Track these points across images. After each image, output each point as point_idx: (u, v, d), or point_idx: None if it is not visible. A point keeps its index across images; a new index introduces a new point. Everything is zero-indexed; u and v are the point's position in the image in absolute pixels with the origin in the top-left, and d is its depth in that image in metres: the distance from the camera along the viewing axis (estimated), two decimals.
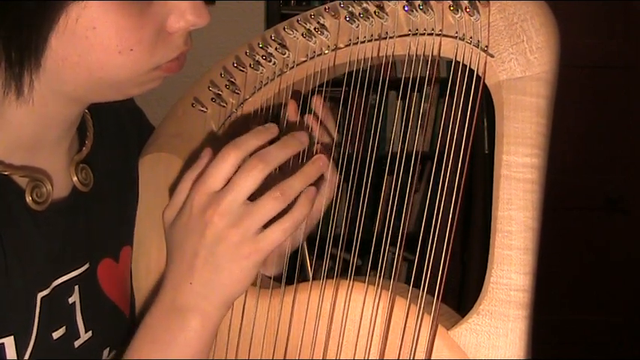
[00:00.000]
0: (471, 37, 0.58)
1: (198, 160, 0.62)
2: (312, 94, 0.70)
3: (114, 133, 0.74)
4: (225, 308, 0.60)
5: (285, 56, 0.67)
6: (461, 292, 2.13)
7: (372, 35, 0.63)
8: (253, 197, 0.58)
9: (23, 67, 0.54)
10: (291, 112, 0.70)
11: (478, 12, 0.57)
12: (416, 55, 0.61)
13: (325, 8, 0.64)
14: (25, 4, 0.51)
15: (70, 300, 0.64)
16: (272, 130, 0.61)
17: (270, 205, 0.57)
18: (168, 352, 0.59)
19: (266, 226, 0.58)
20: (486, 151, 2.21)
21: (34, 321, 0.59)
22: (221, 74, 0.70)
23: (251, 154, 0.59)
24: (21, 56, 0.54)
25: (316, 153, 0.62)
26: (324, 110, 0.72)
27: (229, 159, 0.58)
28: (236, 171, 0.58)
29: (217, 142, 0.68)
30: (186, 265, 0.59)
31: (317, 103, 0.71)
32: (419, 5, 0.59)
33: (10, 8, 0.51)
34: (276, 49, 0.67)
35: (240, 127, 0.71)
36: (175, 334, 0.59)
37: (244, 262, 0.57)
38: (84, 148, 0.68)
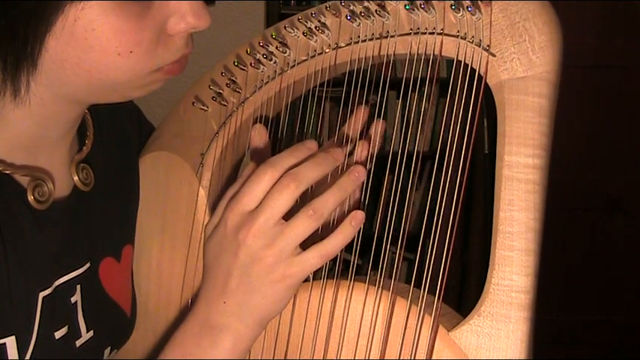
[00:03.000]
0: (472, 37, 0.58)
1: (240, 177, 0.62)
2: (313, 93, 0.69)
3: (114, 133, 0.74)
4: (259, 329, 0.60)
5: (286, 55, 0.67)
6: (460, 292, 2.13)
7: (373, 34, 0.63)
8: (290, 213, 0.57)
9: (19, 68, 0.54)
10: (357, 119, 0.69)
11: (480, 11, 0.57)
12: (417, 54, 0.61)
13: (326, 7, 0.63)
14: (20, 5, 0.50)
15: (72, 299, 0.63)
16: (310, 146, 0.59)
17: (304, 224, 0.56)
18: None
19: (304, 245, 0.57)
20: (486, 151, 2.21)
21: (35, 321, 0.58)
22: (222, 73, 0.70)
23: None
24: (17, 58, 0.53)
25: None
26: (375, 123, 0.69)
27: (265, 178, 0.57)
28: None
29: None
30: (221, 284, 0.58)
31: (363, 114, 0.69)
32: (420, 4, 0.59)
33: (5, 10, 0.51)
34: (277, 47, 0.67)
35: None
36: (207, 352, 0.59)
37: (278, 285, 0.57)
38: (84, 148, 0.67)
